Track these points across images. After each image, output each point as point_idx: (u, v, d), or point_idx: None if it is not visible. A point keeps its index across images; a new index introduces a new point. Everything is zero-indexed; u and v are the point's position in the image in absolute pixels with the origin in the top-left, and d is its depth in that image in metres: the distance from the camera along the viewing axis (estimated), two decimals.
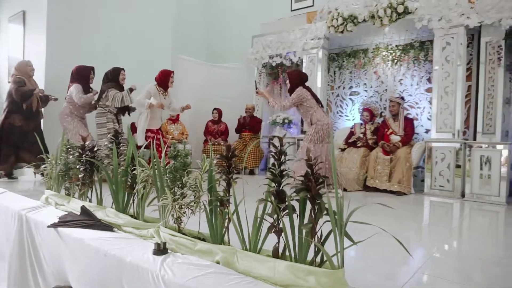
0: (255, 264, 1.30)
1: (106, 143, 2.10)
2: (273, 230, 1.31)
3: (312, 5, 6.78)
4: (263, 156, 6.27)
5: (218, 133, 6.32)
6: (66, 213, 2.06)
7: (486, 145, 3.95)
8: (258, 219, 1.35)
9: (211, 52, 7.52)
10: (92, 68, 4.31)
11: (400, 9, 4.14)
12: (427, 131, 5.00)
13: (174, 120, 6.06)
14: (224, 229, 1.47)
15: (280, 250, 1.29)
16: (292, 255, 1.27)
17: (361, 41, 5.47)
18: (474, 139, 4.32)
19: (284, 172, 1.28)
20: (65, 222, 1.91)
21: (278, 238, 1.29)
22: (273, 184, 1.33)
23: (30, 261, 2.07)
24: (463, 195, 4.08)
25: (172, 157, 1.54)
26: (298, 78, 3.99)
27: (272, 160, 4.59)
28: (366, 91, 5.74)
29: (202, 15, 7.82)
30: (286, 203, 1.26)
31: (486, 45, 4.23)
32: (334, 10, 4.87)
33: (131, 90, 4.10)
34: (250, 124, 6.27)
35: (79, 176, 2.14)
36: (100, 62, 4.76)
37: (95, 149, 2.14)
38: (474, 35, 4.54)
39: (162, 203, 1.54)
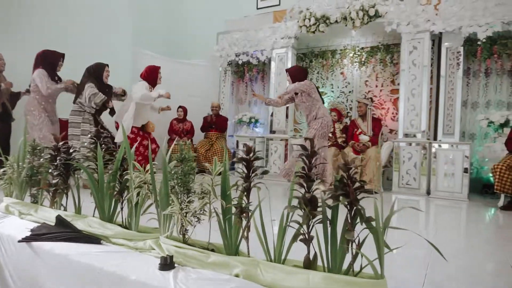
0: (282, 276, 1.19)
1: (85, 143, 1.85)
2: (301, 238, 1.21)
3: (279, 4, 6.78)
4: (231, 156, 6.13)
5: (184, 132, 6.06)
6: (39, 224, 1.78)
7: (450, 145, 4.19)
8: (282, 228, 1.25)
9: (174, 47, 7.20)
10: (62, 55, 3.77)
11: (372, 12, 4.25)
12: (391, 131, 5.21)
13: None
14: (239, 239, 1.34)
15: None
16: (325, 264, 1.18)
17: (329, 42, 5.56)
18: (435, 139, 4.58)
19: (315, 176, 1.19)
20: (40, 235, 1.64)
21: (308, 247, 1.19)
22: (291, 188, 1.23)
23: None
24: (428, 193, 4.30)
25: (180, 160, 1.37)
26: (302, 73, 3.83)
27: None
28: (333, 91, 5.85)
29: (166, 9, 7.46)
30: (318, 210, 1.17)
31: (446, 50, 4.50)
32: (306, 10, 4.87)
33: (124, 93, 3.76)
34: (216, 123, 6.10)
35: (53, 181, 1.86)
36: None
37: (71, 150, 1.87)
38: (435, 41, 4.80)
39: (169, 211, 1.36)
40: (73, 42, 5.05)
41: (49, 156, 1.89)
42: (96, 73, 3.69)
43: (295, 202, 1.21)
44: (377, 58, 5.17)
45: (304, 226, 1.19)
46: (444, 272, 1.69)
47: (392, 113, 5.24)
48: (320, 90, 6.00)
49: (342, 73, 5.65)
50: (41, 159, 2.05)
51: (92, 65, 3.76)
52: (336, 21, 4.54)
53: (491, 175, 3.93)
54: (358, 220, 1.14)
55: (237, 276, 1.26)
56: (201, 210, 1.39)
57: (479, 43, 4.23)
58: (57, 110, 3.89)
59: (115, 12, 5.98)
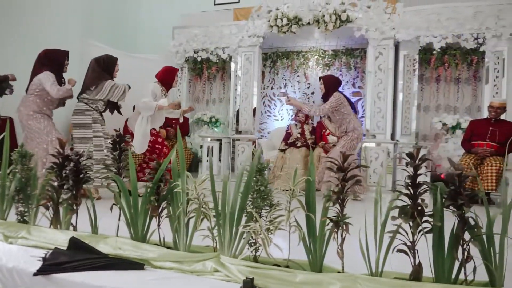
0: None
1: (104, 150, 1.55)
2: (400, 249, 1.15)
3: (238, 2, 6.65)
4: (192, 158, 5.84)
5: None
6: (48, 251, 1.43)
7: (412, 146, 4.53)
8: (379, 238, 1.18)
9: (127, 40, 6.62)
10: (67, 53, 3.22)
11: (344, 17, 4.39)
12: None
13: None
14: (323, 253, 1.24)
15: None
16: (431, 275, 1.14)
17: (294, 43, 5.62)
18: (392, 139, 4.93)
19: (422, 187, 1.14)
20: (60, 264, 1.32)
21: (414, 259, 1.14)
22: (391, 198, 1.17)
23: None
24: (394, 190, 4.59)
25: (258, 170, 1.21)
26: (334, 83, 3.78)
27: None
28: (294, 92, 5.93)
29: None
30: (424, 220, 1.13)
31: (404, 57, 4.86)
32: (276, 10, 4.85)
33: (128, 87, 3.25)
34: (177, 123, 5.73)
35: (54, 195, 1.52)
36: None
37: (83, 157, 1.55)
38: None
39: (250, 229, 1.19)
40: (15, 32, 4.32)
41: (54, 165, 1.54)
42: (108, 67, 3.21)
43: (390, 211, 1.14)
44: (341, 61, 5.37)
45: (409, 236, 1.14)
46: None
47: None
48: (282, 90, 6.06)
49: (305, 75, 5.76)
50: (32, 170, 1.67)
51: (103, 57, 3.25)
52: (309, 23, 4.59)
53: None
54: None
55: None
56: (278, 224, 1.25)
57: (434, 52, 4.65)
58: None
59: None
